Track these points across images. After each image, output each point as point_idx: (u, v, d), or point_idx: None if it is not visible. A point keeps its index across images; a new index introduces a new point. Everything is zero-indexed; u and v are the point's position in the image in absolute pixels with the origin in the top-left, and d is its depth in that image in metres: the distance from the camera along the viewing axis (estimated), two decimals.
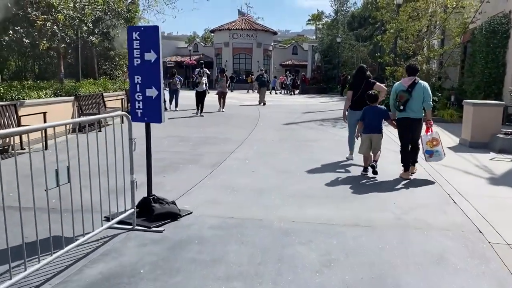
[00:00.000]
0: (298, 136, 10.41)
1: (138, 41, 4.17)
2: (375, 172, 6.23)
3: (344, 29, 40.45)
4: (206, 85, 14.78)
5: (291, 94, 34.38)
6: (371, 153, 6.41)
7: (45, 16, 9.01)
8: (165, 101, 16.06)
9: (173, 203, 4.50)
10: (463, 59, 17.31)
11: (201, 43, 52.97)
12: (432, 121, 6.31)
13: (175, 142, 9.30)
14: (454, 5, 15.40)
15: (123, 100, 13.82)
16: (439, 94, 15.34)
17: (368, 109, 6.44)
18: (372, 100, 6.42)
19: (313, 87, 37.20)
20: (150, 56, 4.17)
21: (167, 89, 16.20)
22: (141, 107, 4.30)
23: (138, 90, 4.27)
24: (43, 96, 9.72)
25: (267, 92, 24.13)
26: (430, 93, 6.17)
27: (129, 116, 4.01)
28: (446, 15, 15.92)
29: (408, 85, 6.08)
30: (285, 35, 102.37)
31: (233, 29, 45.02)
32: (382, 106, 6.55)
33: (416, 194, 5.56)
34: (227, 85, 16.96)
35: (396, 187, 5.88)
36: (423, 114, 6.22)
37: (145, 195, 4.53)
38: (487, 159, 7.81)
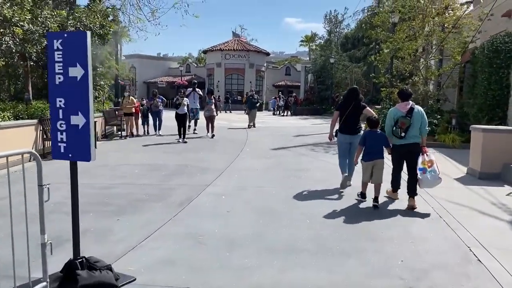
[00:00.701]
0: (286, 164, 9.32)
1: (60, 52, 3.10)
2: (376, 207, 5.86)
3: (338, 50, 39.91)
4: (199, 105, 14.60)
5: (283, 115, 33.48)
6: (370, 182, 6.11)
7: (1, 30, 7.97)
8: (147, 125, 15.20)
9: (109, 268, 3.35)
10: (462, 80, 16.46)
11: (194, 63, 52.28)
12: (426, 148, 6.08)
13: (147, 172, 8.18)
14: (452, 25, 14.63)
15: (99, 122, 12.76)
16: (438, 117, 14.40)
17: (370, 134, 6.15)
18: (374, 125, 6.16)
19: (306, 108, 36.35)
20: (76, 71, 3.10)
21: (150, 111, 15.14)
22: (64, 139, 3.20)
23: (60, 117, 3.18)
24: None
25: (258, 113, 23.21)
26: (426, 118, 6.08)
27: (37, 155, 2.88)
28: (444, 34, 15.12)
29: (407, 111, 5.92)
30: (279, 56, 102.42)
31: (226, 49, 44.39)
32: (383, 132, 6.17)
33: (427, 245, 4.44)
34: (217, 106, 15.79)
35: (401, 233, 4.77)
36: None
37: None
38: (503, 194, 6.74)
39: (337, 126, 7.08)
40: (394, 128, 5.91)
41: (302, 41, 67.60)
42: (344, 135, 6.88)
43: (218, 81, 44.46)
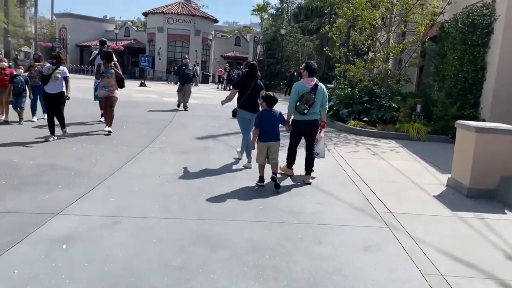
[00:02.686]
0: (205, 165, 6.68)
1: None
2: (277, 186, 5.55)
3: (290, 21, 37.13)
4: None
5: (225, 90, 30.57)
6: (267, 163, 5.71)
7: None
8: (22, 108, 9.50)
9: None
10: (423, 59, 14.38)
11: (133, 27, 47.57)
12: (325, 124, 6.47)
13: None
14: None
15: None
16: (399, 99, 12.26)
17: (266, 114, 5.76)
18: (272, 103, 5.80)
19: None
20: None
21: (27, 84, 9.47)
22: None
23: None
24: None
25: (202, 86, 19.98)
26: (327, 96, 6.25)
27: None
28: (410, 2, 12.79)
29: (311, 87, 5.94)
30: (232, 26, 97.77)
31: (169, 13, 40.30)
32: (278, 110, 5.82)
33: None
34: (122, 80, 8.89)
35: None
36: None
37: None
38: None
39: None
40: (298, 103, 5.88)
41: (254, 10, 63.99)
42: (246, 111, 6.75)
43: (160, 48, 40.53)
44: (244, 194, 5.34)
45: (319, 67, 30.83)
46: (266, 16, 55.22)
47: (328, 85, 19.36)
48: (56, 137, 7.89)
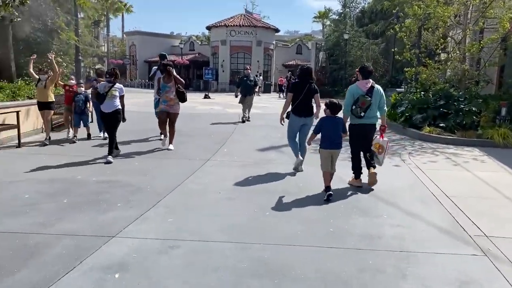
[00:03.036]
0: (270, 178, 6.26)
1: None
2: (330, 195, 5.30)
3: (353, 25, 36.04)
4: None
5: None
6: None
7: None
8: (87, 126, 9.55)
9: None
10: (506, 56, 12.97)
11: (198, 41, 48.86)
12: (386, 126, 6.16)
13: (44, 197, 5.18)
14: None
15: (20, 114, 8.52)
16: (479, 102, 11.07)
17: (328, 120, 5.55)
18: (337, 110, 5.61)
19: None
20: None
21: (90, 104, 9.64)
22: None
23: None
24: None
25: (264, 96, 19.78)
26: (385, 97, 5.97)
27: None
28: None
29: (367, 89, 5.73)
30: (293, 35, 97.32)
31: (231, 25, 40.86)
32: (340, 118, 5.66)
33: None
34: (182, 93, 8.34)
35: None
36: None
37: None
38: None
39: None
40: (354, 107, 5.72)
41: (315, 17, 63.41)
42: (298, 117, 6.66)
43: (223, 60, 41.15)
44: (311, 212, 4.83)
45: (385, 70, 29.73)
46: (328, 22, 54.40)
47: (397, 89, 18.29)
48: (119, 152, 7.79)
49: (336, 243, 3.97)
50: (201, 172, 6.71)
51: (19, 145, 8.38)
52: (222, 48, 41.32)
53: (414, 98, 12.16)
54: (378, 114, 5.90)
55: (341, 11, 36.82)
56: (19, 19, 8.88)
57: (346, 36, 31.62)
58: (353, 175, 6.03)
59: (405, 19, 17.17)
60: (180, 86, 8.32)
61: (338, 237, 4.12)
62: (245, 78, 14.29)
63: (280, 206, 5.05)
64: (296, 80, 6.87)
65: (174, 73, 8.39)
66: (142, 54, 47.81)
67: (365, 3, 39.47)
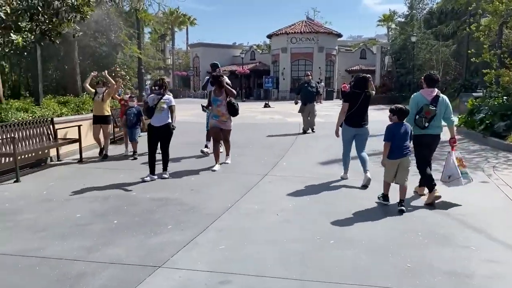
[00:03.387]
0: (333, 196, 5.67)
1: None
2: (402, 212, 5.00)
3: (420, 27, 34.11)
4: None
5: None
6: (394, 183, 5.24)
7: None
8: (135, 141, 9.05)
9: None
10: None
11: (259, 50, 49.02)
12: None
13: (94, 217, 5.00)
14: None
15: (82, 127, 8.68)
16: None
17: (397, 127, 5.21)
18: (405, 116, 5.27)
19: (382, 96, 31.41)
20: None
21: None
22: None
23: None
24: None
25: (326, 103, 18.86)
26: (451, 108, 5.63)
27: None
28: None
29: (432, 98, 5.42)
30: (357, 40, 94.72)
31: (292, 32, 40.46)
32: (408, 124, 5.28)
33: None
34: (233, 107, 7.73)
35: None
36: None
37: None
38: None
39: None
40: (418, 116, 5.41)
41: (379, 21, 61.32)
42: (350, 128, 6.48)
43: (284, 68, 40.82)
44: (383, 240, 4.18)
45: (458, 74, 27.64)
46: (393, 25, 52.19)
47: (473, 94, 16.74)
48: (156, 177, 6.91)
49: (414, 281, 3.31)
50: (257, 189, 6.27)
51: (80, 159, 8.46)
52: (282, 56, 41.03)
53: (496, 103, 10.92)
54: (443, 123, 5.59)
55: (408, 12, 34.82)
56: (80, 33, 9.00)
57: (413, 39, 29.91)
58: (427, 189, 5.50)
59: (480, 18, 15.76)
60: (232, 99, 7.72)
61: (417, 274, 3.45)
62: (305, 85, 13.63)
63: (346, 231, 4.45)
64: (353, 88, 6.47)
65: (226, 83, 7.75)
66: (205, 65, 48.70)
67: (433, 4, 37.29)
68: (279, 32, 41.39)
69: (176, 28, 61.20)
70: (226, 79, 7.97)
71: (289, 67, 40.80)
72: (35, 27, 7.53)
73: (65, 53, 12.84)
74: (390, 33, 53.64)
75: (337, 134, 6.69)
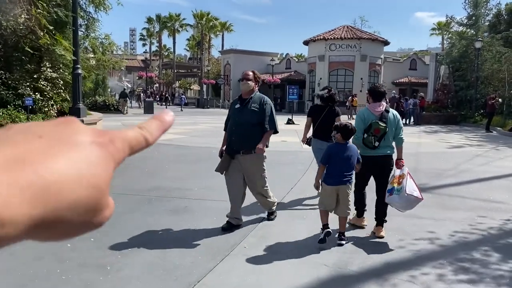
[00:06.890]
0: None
1: None
2: (341, 245, 4.43)
3: (487, 31, 28.30)
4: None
5: (406, 124, 23.49)
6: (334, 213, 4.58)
7: None
8: None
9: None
10: None
11: (295, 58, 44.58)
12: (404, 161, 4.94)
13: None
14: None
15: None
16: None
17: (337, 147, 4.54)
18: (349, 135, 4.54)
19: (436, 114, 25.89)
20: None
21: None
22: None
23: None
24: None
25: None
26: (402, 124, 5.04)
27: None
28: None
29: (380, 114, 4.80)
30: (406, 52, 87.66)
31: (331, 38, 35.67)
32: (353, 145, 4.66)
33: None
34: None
35: None
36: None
37: None
38: None
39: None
40: (366, 135, 4.74)
41: (433, 29, 55.21)
42: (320, 141, 5.98)
43: (320, 78, 35.95)
44: None
45: None
46: (449, 35, 45.96)
47: None
48: None
49: None
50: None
51: None
52: (319, 65, 36.30)
53: None
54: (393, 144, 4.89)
55: (472, 12, 28.81)
56: None
57: (478, 45, 24.21)
58: (355, 212, 5.03)
59: None
60: None
61: None
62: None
63: None
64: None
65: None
66: (236, 73, 44.90)
67: (500, 6, 31.09)
68: (316, 38, 36.74)
69: (213, 35, 58.14)
70: None
71: (326, 77, 35.88)
72: None
73: None
74: (445, 41, 47.35)
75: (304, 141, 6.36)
